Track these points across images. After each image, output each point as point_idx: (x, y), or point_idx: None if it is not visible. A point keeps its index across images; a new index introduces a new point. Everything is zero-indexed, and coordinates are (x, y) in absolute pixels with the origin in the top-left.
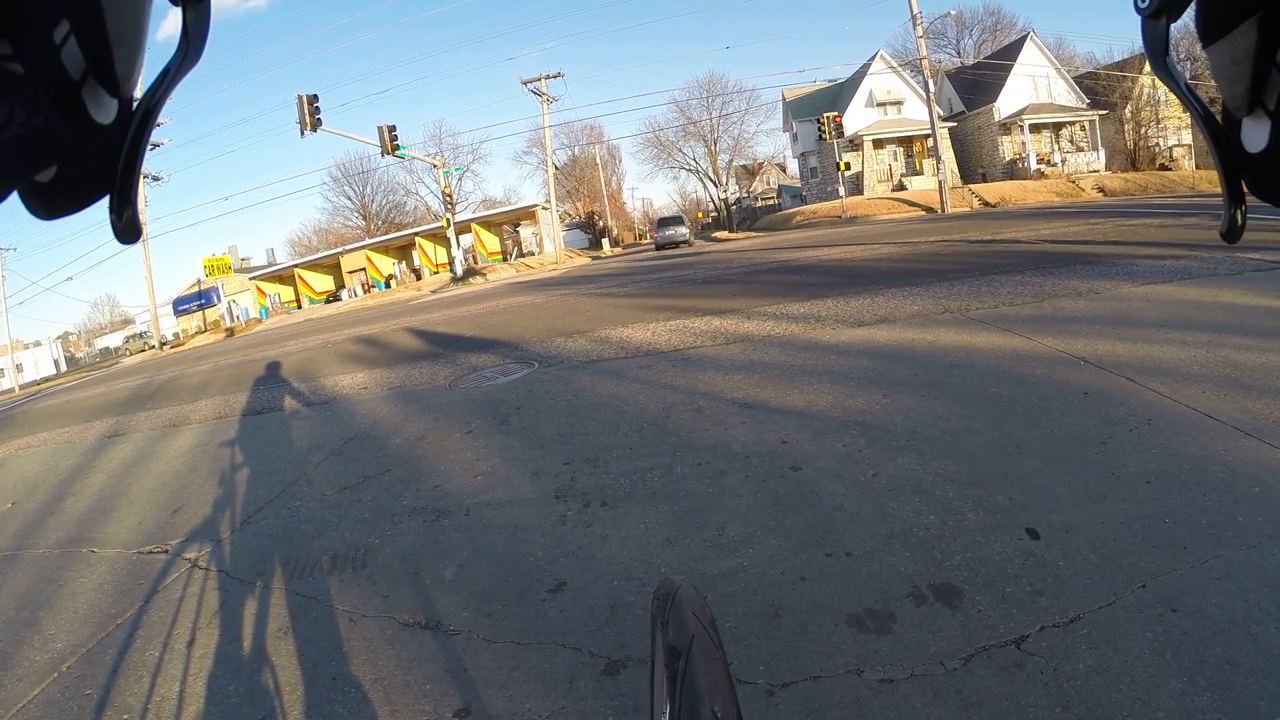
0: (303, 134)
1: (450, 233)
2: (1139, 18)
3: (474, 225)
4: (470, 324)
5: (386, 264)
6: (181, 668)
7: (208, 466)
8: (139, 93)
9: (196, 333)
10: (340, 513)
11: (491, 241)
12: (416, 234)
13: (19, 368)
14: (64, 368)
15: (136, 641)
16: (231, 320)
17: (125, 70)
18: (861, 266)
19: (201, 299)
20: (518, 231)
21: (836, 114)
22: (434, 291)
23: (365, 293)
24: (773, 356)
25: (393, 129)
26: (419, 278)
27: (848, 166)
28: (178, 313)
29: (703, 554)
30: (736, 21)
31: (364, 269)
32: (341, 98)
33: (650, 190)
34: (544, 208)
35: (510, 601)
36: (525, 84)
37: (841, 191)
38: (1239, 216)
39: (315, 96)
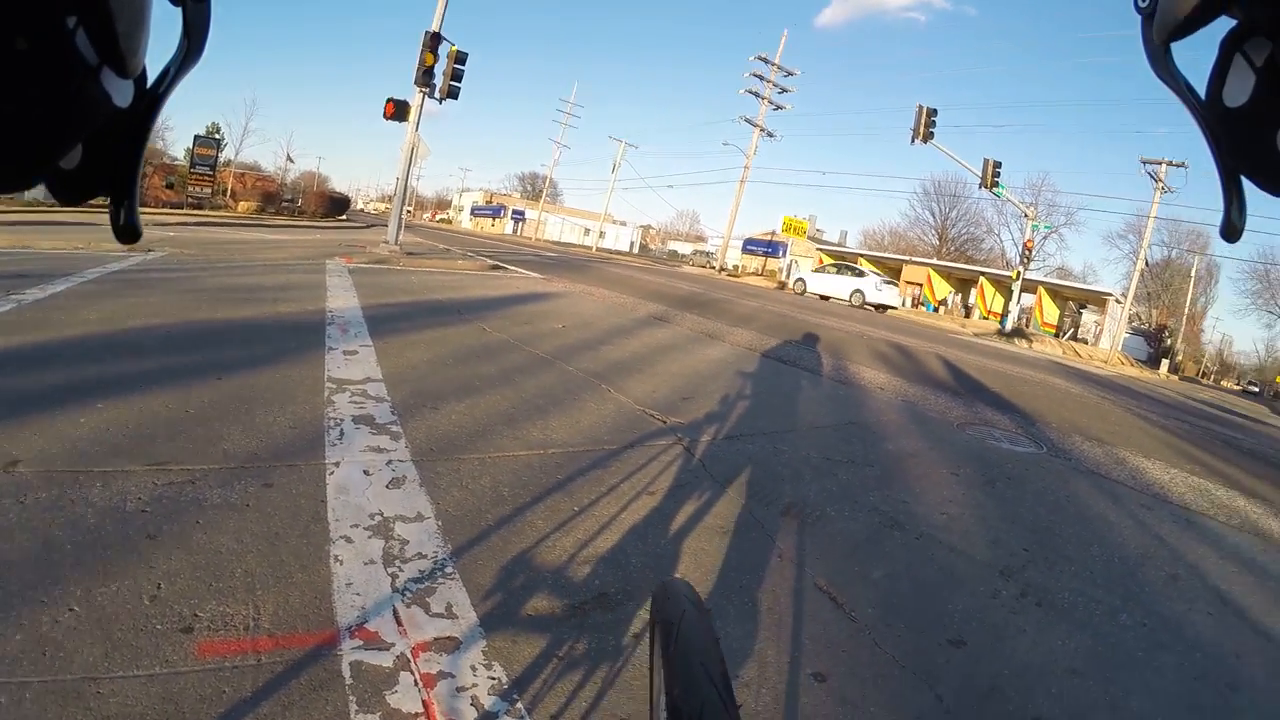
0: (913, 141)
1: (1015, 286)
2: (1138, 17)
3: (1041, 289)
4: (998, 381)
5: (943, 288)
6: (617, 507)
7: (725, 381)
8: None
9: (752, 273)
10: (817, 475)
11: (1051, 311)
12: (983, 273)
13: (601, 234)
14: (635, 250)
15: (612, 466)
16: (786, 277)
17: (133, 56)
18: None
19: (769, 248)
20: (1080, 313)
21: None
22: (975, 335)
23: (914, 306)
24: None
25: (998, 165)
26: (967, 315)
27: None
28: (744, 250)
29: None
30: None
31: (921, 285)
32: (958, 119)
33: (1236, 329)
34: (1118, 300)
35: None
36: (1144, 164)
37: None
38: (1236, 215)
39: (934, 110)
